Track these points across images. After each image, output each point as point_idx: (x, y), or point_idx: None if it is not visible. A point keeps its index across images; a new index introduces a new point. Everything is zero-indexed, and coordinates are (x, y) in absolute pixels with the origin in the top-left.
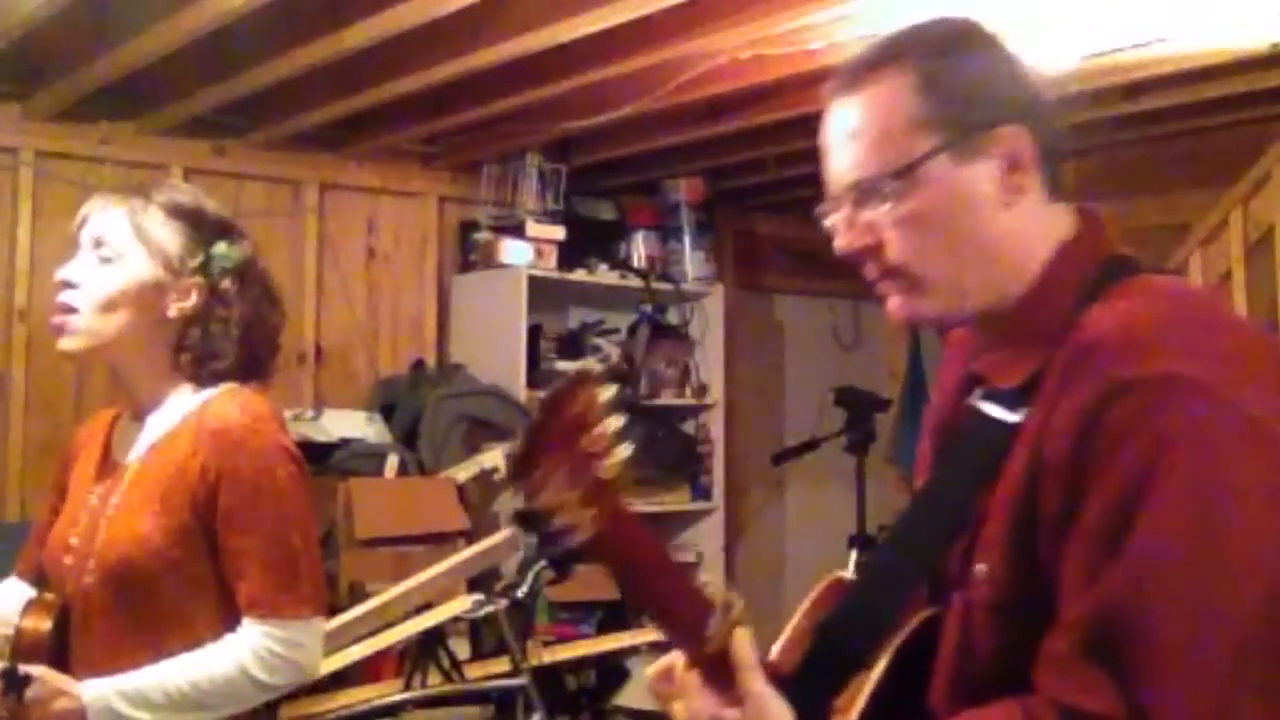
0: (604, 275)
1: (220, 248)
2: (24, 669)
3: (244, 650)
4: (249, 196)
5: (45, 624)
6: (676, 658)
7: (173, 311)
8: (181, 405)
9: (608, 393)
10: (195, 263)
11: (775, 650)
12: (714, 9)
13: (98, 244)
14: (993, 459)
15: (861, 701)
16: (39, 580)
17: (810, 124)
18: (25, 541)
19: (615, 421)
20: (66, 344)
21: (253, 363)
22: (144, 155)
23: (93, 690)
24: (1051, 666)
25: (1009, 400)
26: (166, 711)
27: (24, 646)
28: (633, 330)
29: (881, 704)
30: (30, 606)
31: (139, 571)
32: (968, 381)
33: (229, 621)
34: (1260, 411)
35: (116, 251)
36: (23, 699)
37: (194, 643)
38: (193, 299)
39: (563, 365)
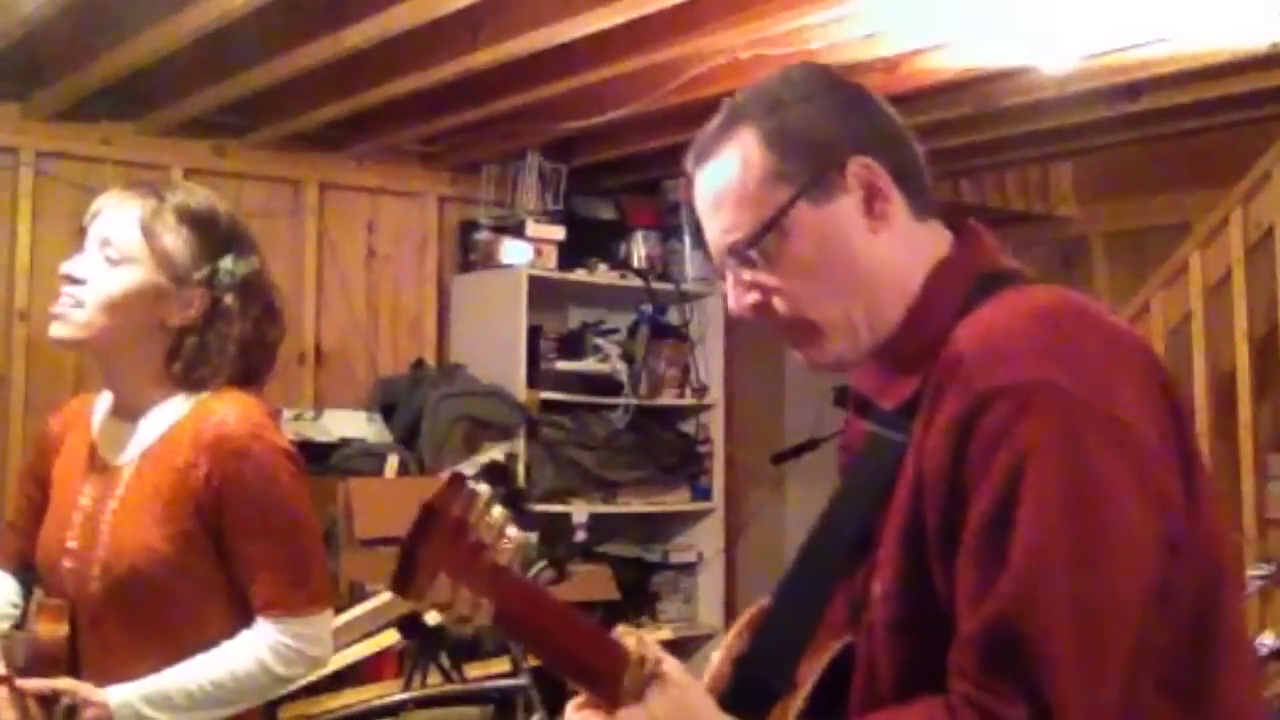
0: (604, 275)
1: (227, 262)
2: (49, 685)
3: (262, 647)
4: (249, 196)
5: (62, 630)
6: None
7: (173, 320)
8: (173, 409)
9: (484, 491)
10: (201, 274)
11: (704, 681)
12: (714, 9)
13: (105, 243)
14: (885, 479)
15: None
16: (19, 570)
17: None
18: None
19: (499, 513)
20: (60, 332)
21: (247, 374)
22: (144, 155)
23: (119, 696)
24: (961, 676)
25: (893, 421)
26: (189, 711)
27: (45, 654)
28: (633, 330)
29: None
30: (41, 612)
31: (149, 580)
32: (856, 404)
33: (240, 619)
34: (1121, 412)
35: (124, 254)
36: (52, 715)
37: (206, 642)
38: (194, 310)
39: (563, 365)
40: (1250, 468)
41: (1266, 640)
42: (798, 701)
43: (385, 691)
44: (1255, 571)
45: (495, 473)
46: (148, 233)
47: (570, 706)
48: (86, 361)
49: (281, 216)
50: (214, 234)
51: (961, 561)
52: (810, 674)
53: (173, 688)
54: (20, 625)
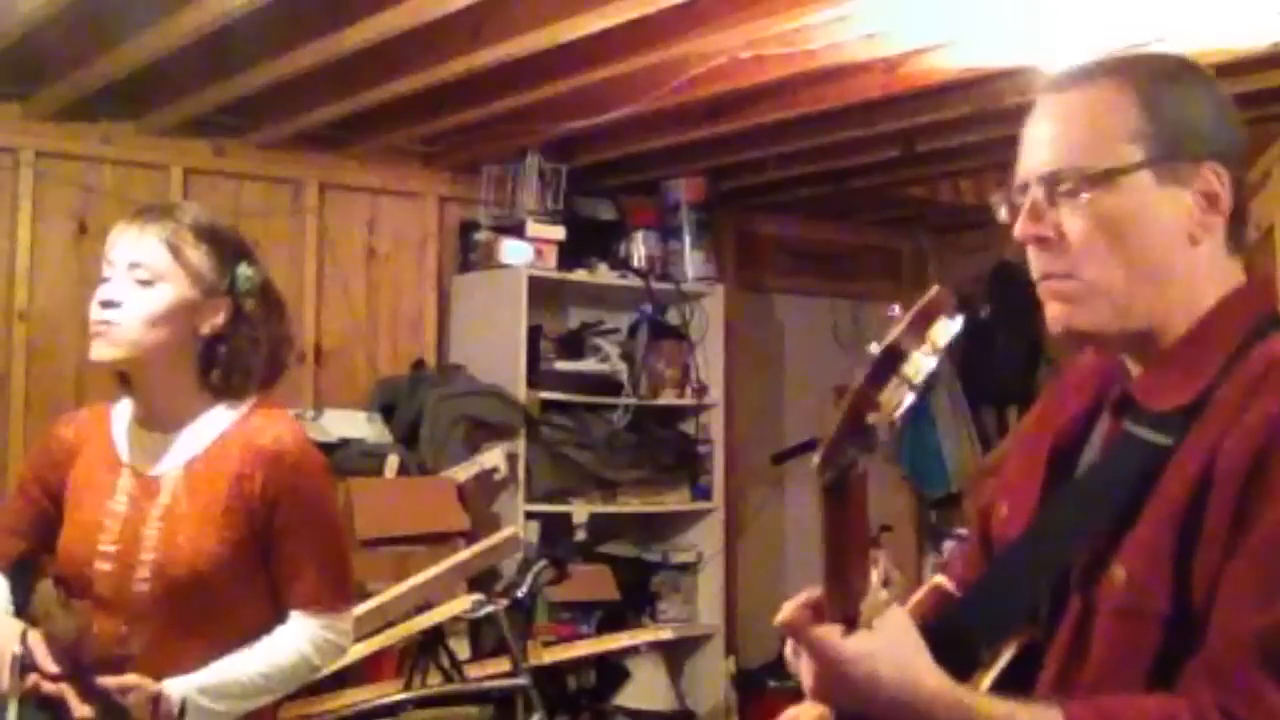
0: (604, 275)
1: (244, 269)
2: (107, 683)
3: (304, 641)
4: (249, 196)
5: (122, 628)
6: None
7: (204, 329)
8: (215, 421)
9: (952, 329)
10: (224, 284)
11: None
12: (714, 9)
13: (134, 266)
14: (1140, 477)
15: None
16: (16, 572)
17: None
18: None
19: (931, 363)
20: (105, 351)
21: (272, 376)
22: (144, 155)
23: (179, 689)
24: (1213, 674)
25: (1161, 424)
26: (240, 700)
27: (106, 650)
28: (633, 330)
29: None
30: (86, 611)
31: (205, 582)
32: (1113, 406)
33: (273, 615)
34: None
35: (155, 273)
36: (124, 715)
37: (244, 636)
38: (221, 317)
39: (563, 365)
40: None
41: None
42: (990, 677)
43: (385, 691)
44: None
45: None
46: (174, 250)
47: (794, 606)
48: (87, 362)
49: (281, 216)
50: (228, 245)
51: (1245, 559)
52: (1006, 655)
53: (226, 680)
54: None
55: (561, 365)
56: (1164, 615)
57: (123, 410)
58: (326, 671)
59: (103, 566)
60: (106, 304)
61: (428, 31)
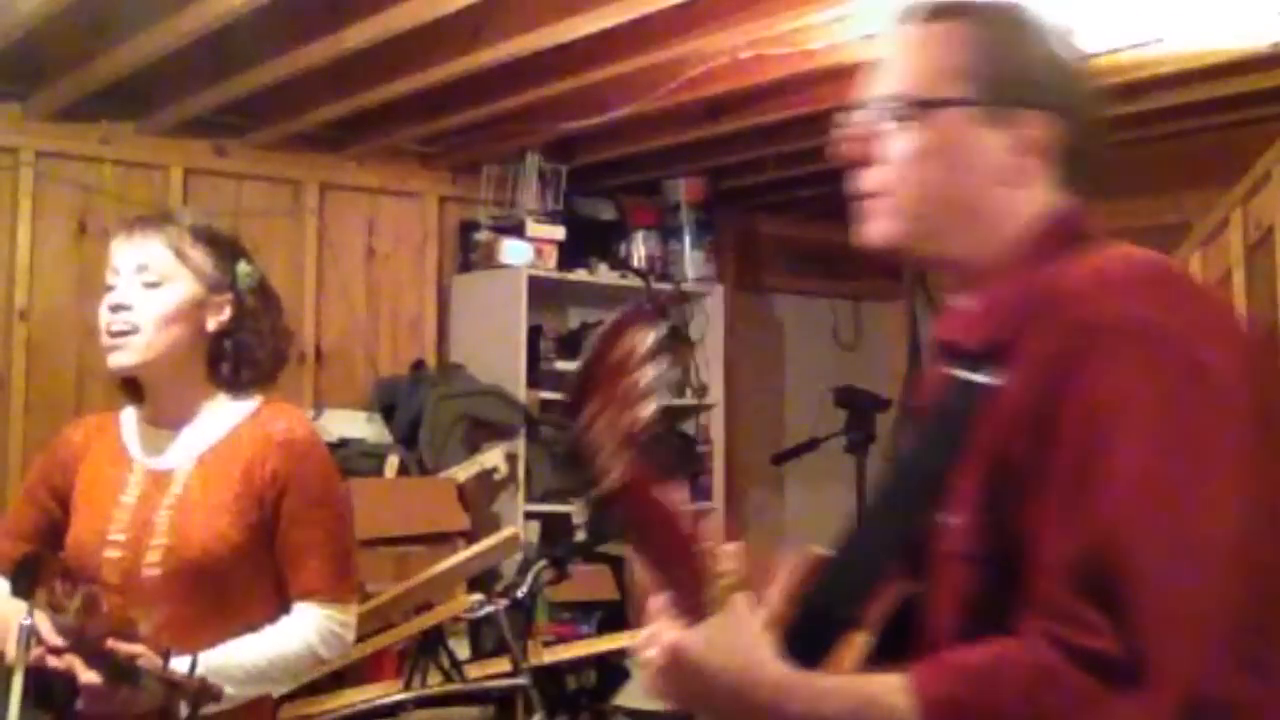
0: (604, 275)
1: (243, 266)
2: (117, 647)
3: (310, 631)
4: (249, 196)
5: (130, 609)
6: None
7: (211, 325)
8: (223, 416)
9: (650, 336)
10: (226, 281)
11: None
12: (714, 9)
13: (141, 269)
14: (964, 419)
15: (853, 659)
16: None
17: (810, 124)
18: None
19: (650, 371)
20: (124, 359)
21: (274, 370)
22: (144, 155)
23: (182, 667)
24: (1044, 609)
25: (977, 362)
26: (244, 685)
27: (120, 631)
28: None
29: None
30: (93, 592)
31: (216, 563)
32: (942, 350)
33: (279, 603)
34: (1216, 362)
35: (162, 274)
36: (136, 674)
37: (251, 621)
38: (226, 314)
39: (563, 365)
40: None
41: None
42: (864, 638)
43: (385, 691)
44: None
45: (659, 311)
46: (178, 252)
47: (652, 602)
48: (86, 362)
49: (281, 216)
50: (226, 245)
51: (1055, 491)
52: (879, 612)
53: (230, 662)
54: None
55: (561, 365)
56: (986, 558)
57: (130, 413)
58: (330, 667)
59: (111, 554)
60: (117, 307)
61: (428, 31)
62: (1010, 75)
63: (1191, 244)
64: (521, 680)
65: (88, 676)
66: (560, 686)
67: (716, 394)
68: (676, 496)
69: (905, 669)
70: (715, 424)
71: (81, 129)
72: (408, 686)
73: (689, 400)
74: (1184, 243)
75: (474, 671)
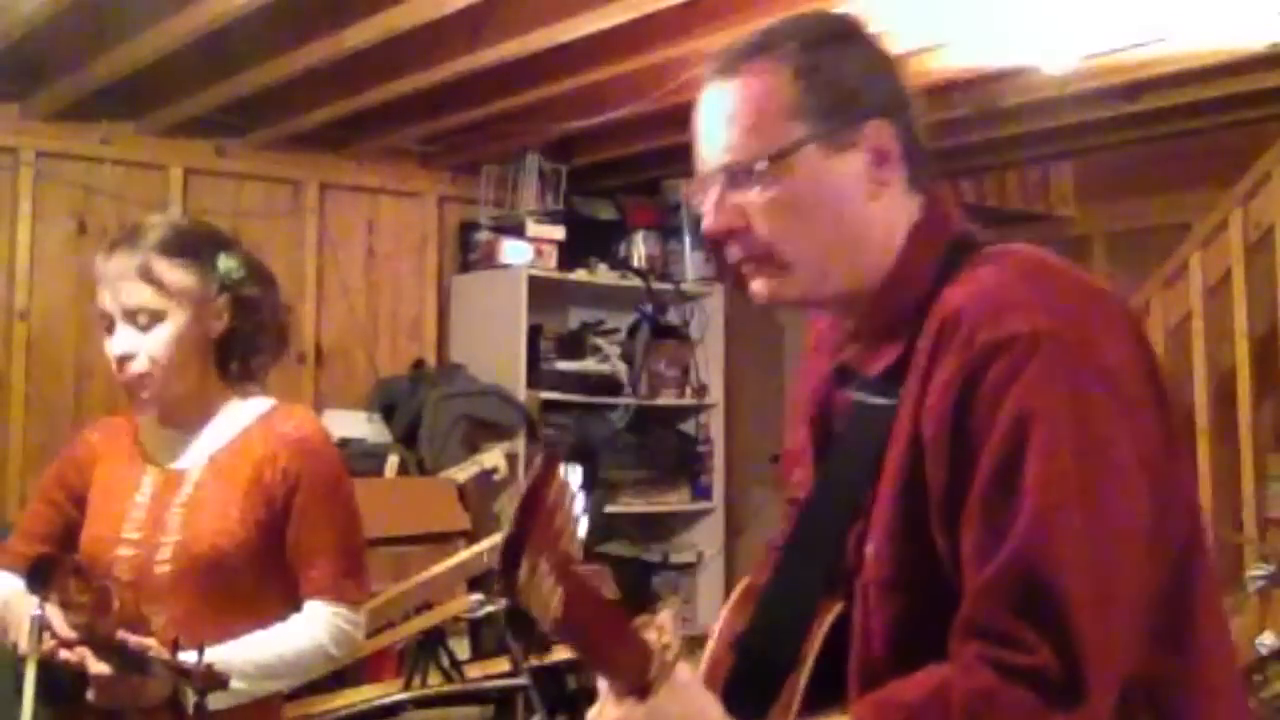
0: (604, 275)
1: (225, 261)
2: (131, 639)
3: (320, 629)
4: (249, 196)
5: (143, 604)
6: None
7: (213, 333)
8: (237, 416)
9: (575, 474)
10: (214, 286)
11: (701, 668)
12: (714, 9)
13: (130, 315)
14: (876, 446)
15: (796, 704)
16: (36, 570)
17: None
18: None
19: (578, 503)
20: (149, 406)
21: (279, 350)
22: (144, 155)
23: (193, 661)
24: (974, 629)
25: (880, 387)
26: (255, 681)
27: (127, 619)
28: (633, 330)
29: (813, 703)
30: (106, 588)
31: (225, 559)
32: (837, 374)
33: (289, 600)
34: (1113, 362)
35: (152, 314)
36: (146, 663)
37: (260, 618)
38: (225, 317)
39: (563, 365)
40: (1250, 468)
41: (1266, 640)
42: (803, 677)
43: (385, 691)
44: (1255, 571)
45: (583, 454)
46: (158, 285)
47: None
48: (86, 362)
49: (281, 216)
50: (201, 247)
51: (972, 513)
52: (815, 645)
53: (243, 659)
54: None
55: (561, 365)
56: (909, 583)
57: (146, 415)
58: (337, 664)
59: (125, 552)
60: (123, 360)
61: (428, 31)
62: (839, 94)
63: (1191, 244)
64: (521, 680)
65: (98, 668)
66: (560, 686)
67: (716, 394)
68: (605, 591)
69: (846, 710)
70: (715, 424)
71: (81, 129)
72: (408, 686)
73: (689, 400)
74: (1184, 243)
75: (474, 671)
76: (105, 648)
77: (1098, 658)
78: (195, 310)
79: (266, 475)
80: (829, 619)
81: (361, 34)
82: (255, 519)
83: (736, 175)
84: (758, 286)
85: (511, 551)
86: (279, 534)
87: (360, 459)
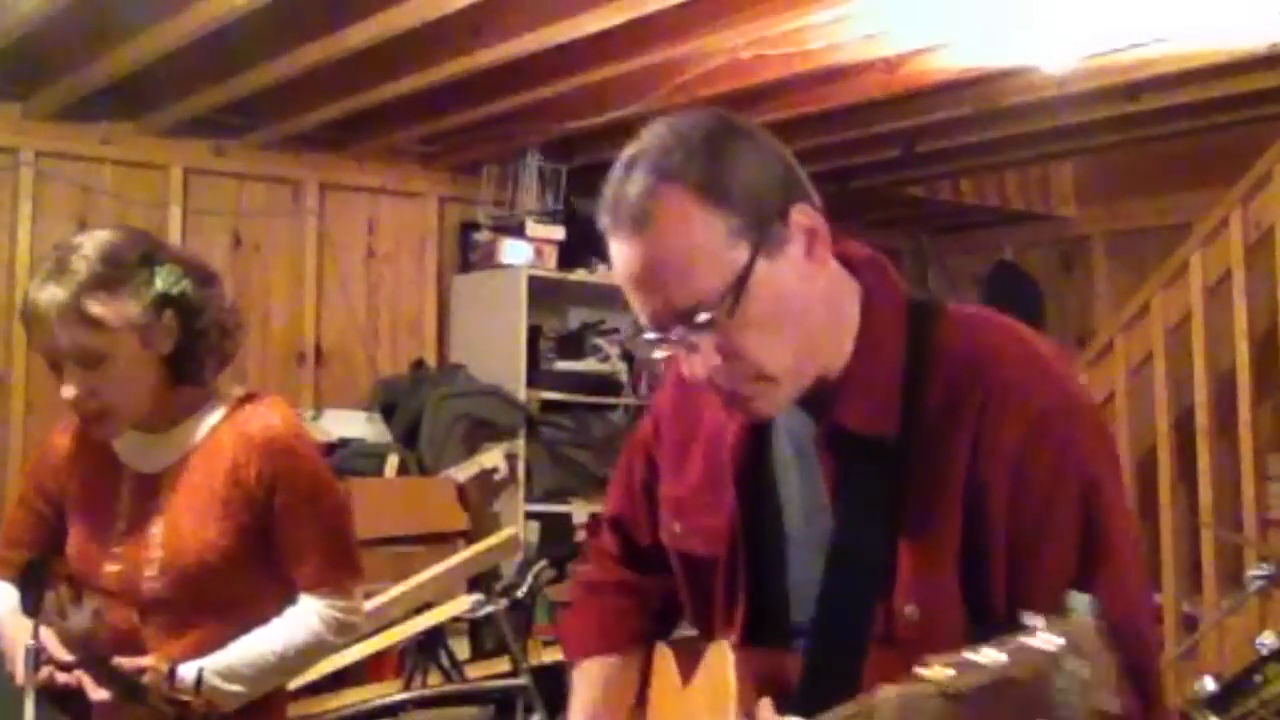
0: (604, 275)
1: (159, 277)
2: (122, 664)
3: (315, 620)
4: (249, 196)
5: (134, 616)
6: None
7: (165, 348)
8: (204, 416)
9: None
10: (155, 304)
11: None
12: (714, 9)
13: (74, 358)
14: (886, 509)
15: None
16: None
17: (810, 124)
18: None
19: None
20: (110, 436)
21: (233, 343)
22: (144, 155)
23: (191, 672)
24: None
25: (881, 452)
26: (255, 681)
27: (121, 639)
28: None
29: None
30: (98, 604)
31: (213, 572)
32: (822, 441)
33: (280, 600)
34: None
35: (94, 353)
36: (143, 693)
37: (256, 619)
38: (175, 330)
39: (563, 365)
40: (1250, 468)
41: (1266, 640)
42: None
43: (385, 691)
44: (1255, 571)
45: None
46: (94, 324)
47: None
48: None
49: (281, 216)
50: (127, 269)
51: (1058, 568)
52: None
53: (239, 661)
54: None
55: (561, 365)
56: (955, 636)
57: None
58: (340, 655)
59: (112, 568)
60: (77, 402)
61: (428, 31)
62: (756, 198)
63: (1191, 244)
64: (521, 680)
65: (98, 695)
66: (560, 686)
67: None
68: None
69: None
70: None
71: (81, 129)
72: (408, 686)
73: None
74: (1184, 243)
75: (474, 671)
76: (101, 674)
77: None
78: (141, 336)
79: (243, 481)
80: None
81: (361, 34)
82: (238, 526)
83: (701, 320)
84: (757, 407)
85: None
86: (264, 536)
87: (360, 459)
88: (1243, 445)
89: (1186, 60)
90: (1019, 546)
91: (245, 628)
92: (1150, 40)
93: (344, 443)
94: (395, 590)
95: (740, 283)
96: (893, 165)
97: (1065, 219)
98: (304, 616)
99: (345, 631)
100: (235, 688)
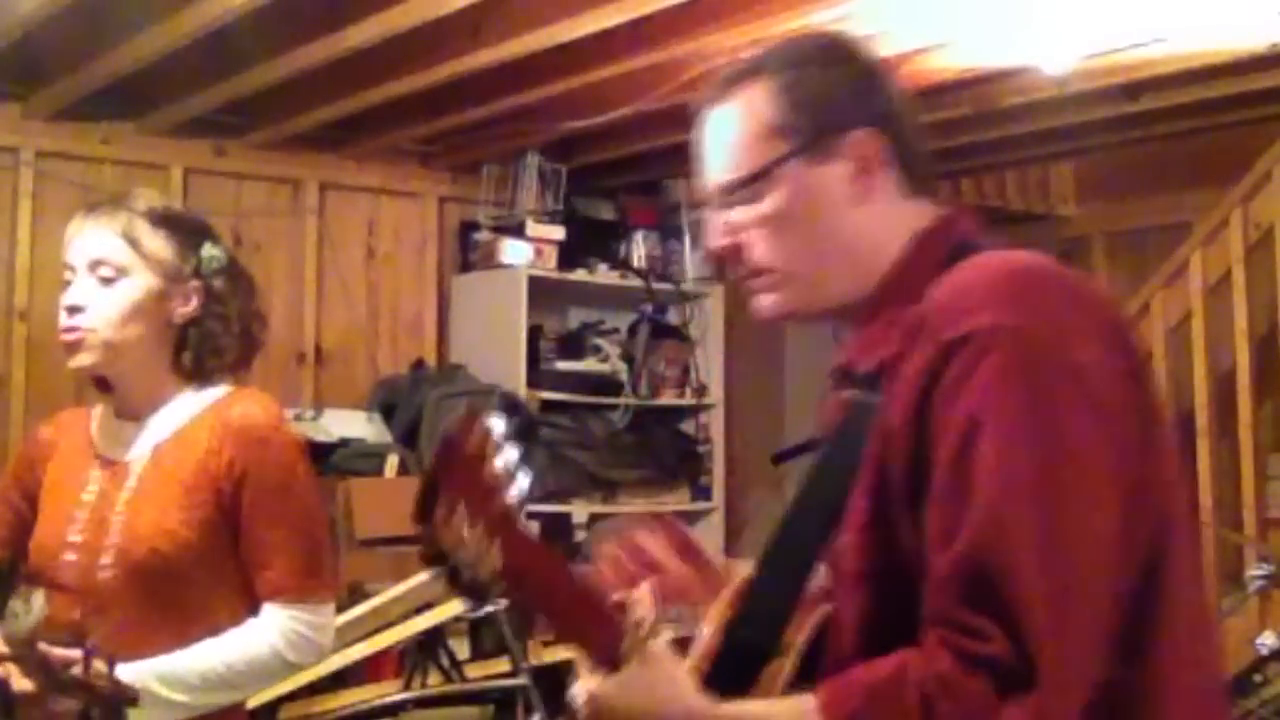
0: (604, 275)
1: (208, 249)
2: (54, 653)
3: (274, 633)
4: (249, 196)
5: (75, 613)
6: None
7: (176, 317)
8: (186, 404)
9: (500, 426)
10: (190, 268)
11: (692, 657)
12: (714, 9)
13: (95, 265)
14: (861, 442)
15: (777, 690)
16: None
17: None
18: None
19: (511, 453)
20: (83, 359)
21: (245, 356)
22: (144, 155)
23: (131, 673)
24: (935, 619)
25: (870, 384)
26: (202, 692)
27: (57, 634)
28: (633, 330)
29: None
30: (49, 598)
31: (167, 563)
32: (834, 375)
33: (246, 606)
34: (1079, 355)
35: (117, 269)
36: (89, 670)
37: (213, 627)
38: (193, 302)
39: (563, 365)
40: (1250, 468)
41: (1267, 640)
42: (787, 666)
43: (385, 691)
44: (1255, 571)
45: (510, 408)
46: (132, 242)
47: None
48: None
49: (281, 217)
50: (187, 228)
51: (930, 506)
52: (802, 636)
53: (186, 669)
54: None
55: (561, 365)
56: (879, 574)
57: (101, 407)
58: (311, 671)
59: (69, 557)
60: (73, 309)
61: (428, 31)
62: (817, 110)
63: (1191, 244)
64: (521, 680)
65: (22, 684)
66: (560, 686)
67: (716, 394)
68: (566, 564)
69: (815, 690)
70: (715, 424)
71: (81, 129)
72: (408, 686)
73: (689, 400)
74: (1184, 243)
75: (474, 671)
76: (30, 665)
77: (1053, 650)
78: (163, 283)
79: (211, 469)
80: (819, 612)
81: (361, 34)
82: (200, 518)
83: (728, 196)
84: (758, 304)
85: (426, 497)
86: (229, 533)
87: (360, 459)
88: (1243, 445)
89: (1187, 60)
90: (910, 480)
91: (200, 638)
92: (1150, 40)
93: (344, 443)
94: (395, 590)
95: (767, 171)
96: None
97: (1065, 219)
98: (262, 628)
99: (307, 650)
100: (177, 696)
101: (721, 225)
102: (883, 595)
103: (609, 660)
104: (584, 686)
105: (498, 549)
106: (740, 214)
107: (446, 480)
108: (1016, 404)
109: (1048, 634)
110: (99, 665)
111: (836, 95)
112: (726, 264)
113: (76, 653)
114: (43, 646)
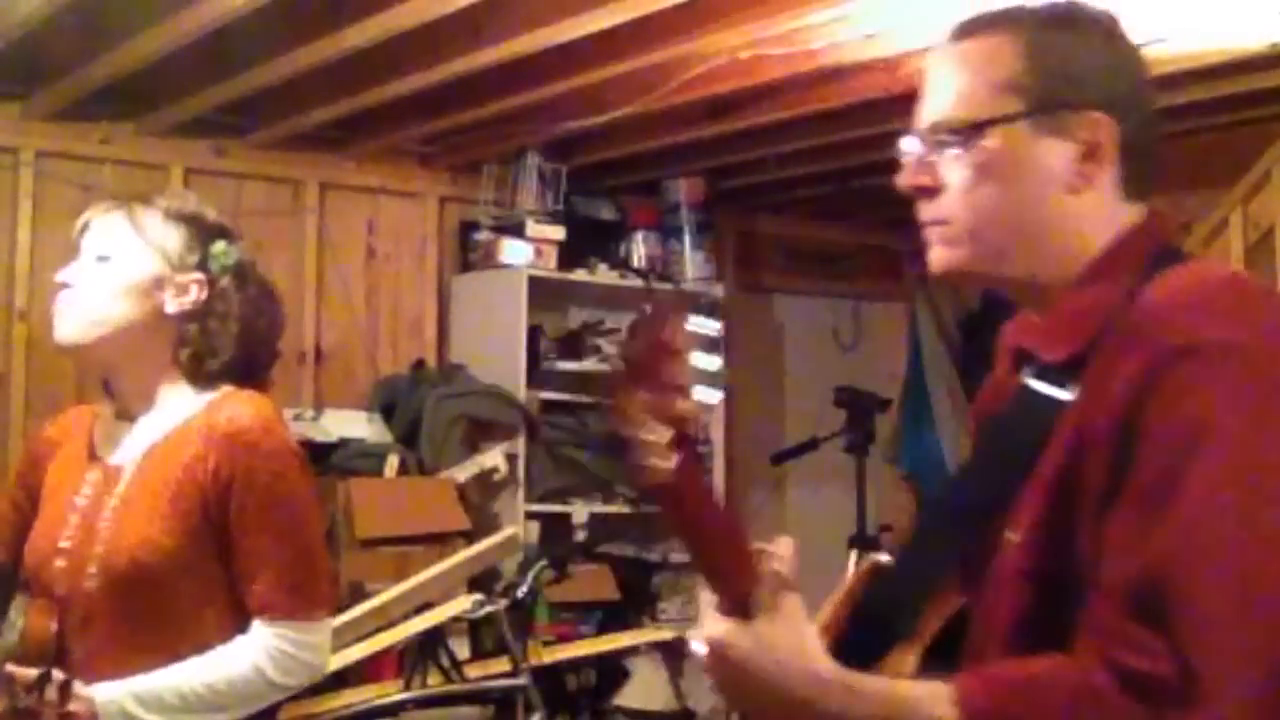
0: (604, 275)
1: (219, 246)
2: (17, 671)
3: (259, 652)
4: (249, 196)
5: (51, 625)
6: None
7: (171, 307)
8: (181, 406)
9: (704, 326)
10: (194, 259)
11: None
12: (714, 9)
13: (96, 245)
14: (1038, 434)
15: (903, 670)
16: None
17: (810, 124)
18: None
19: (702, 360)
20: (65, 331)
21: (250, 364)
22: (144, 155)
23: (106, 693)
24: (1098, 629)
25: (1056, 376)
26: (181, 713)
27: (33, 650)
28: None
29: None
30: (29, 610)
31: (149, 574)
32: (1016, 358)
33: (238, 622)
34: None
35: (113, 248)
36: (43, 698)
37: (202, 644)
38: (192, 295)
39: (563, 365)
40: None
41: None
42: (917, 650)
43: (385, 691)
44: None
45: (710, 309)
46: (136, 225)
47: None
48: (84, 359)
49: (281, 216)
50: (202, 225)
51: (1126, 512)
52: (933, 625)
53: (164, 688)
54: None
55: (561, 365)
56: (1046, 577)
57: (107, 407)
58: (288, 693)
59: (59, 564)
60: (65, 285)
61: (428, 31)
62: (1061, 79)
63: (1191, 244)
64: (521, 680)
65: None
66: (560, 686)
67: (716, 394)
68: (719, 495)
69: (952, 678)
70: (715, 424)
71: (81, 129)
72: (408, 686)
73: None
74: (1184, 243)
75: (474, 671)
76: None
77: (1217, 678)
78: (161, 268)
79: (199, 476)
80: (955, 603)
81: (361, 34)
82: (185, 528)
83: (940, 136)
84: (933, 254)
85: (618, 380)
86: (217, 544)
87: (360, 459)
88: None
89: (1186, 60)
90: (1107, 486)
91: (186, 654)
92: (1150, 40)
93: (344, 443)
94: (395, 590)
95: (990, 124)
96: (893, 165)
97: None
98: (247, 647)
99: (294, 670)
100: (152, 717)
101: (922, 163)
102: (1044, 598)
103: (739, 606)
104: (710, 630)
105: (675, 464)
106: (945, 157)
107: (640, 367)
108: (1241, 425)
109: (1214, 662)
110: (50, 692)
111: (1083, 69)
112: (915, 202)
113: (33, 671)
114: (9, 668)
